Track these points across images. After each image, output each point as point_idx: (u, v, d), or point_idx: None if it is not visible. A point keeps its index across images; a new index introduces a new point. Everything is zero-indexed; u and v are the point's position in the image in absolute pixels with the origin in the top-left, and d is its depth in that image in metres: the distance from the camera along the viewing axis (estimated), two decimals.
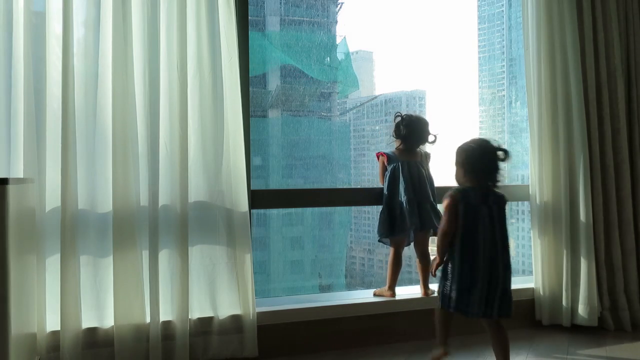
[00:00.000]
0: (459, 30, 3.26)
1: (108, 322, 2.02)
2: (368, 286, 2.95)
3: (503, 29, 3.33)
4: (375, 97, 3.34)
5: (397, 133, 2.47)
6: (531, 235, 2.68)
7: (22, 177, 1.88)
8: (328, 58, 3.03)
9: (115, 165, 1.99)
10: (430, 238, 2.53)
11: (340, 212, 2.84)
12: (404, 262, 2.52)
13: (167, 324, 2.06)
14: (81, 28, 2.01)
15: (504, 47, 3.34)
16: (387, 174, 2.42)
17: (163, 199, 2.06)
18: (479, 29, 3.39)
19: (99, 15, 2.00)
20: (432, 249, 2.69)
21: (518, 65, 3.21)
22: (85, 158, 2.00)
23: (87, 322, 1.99)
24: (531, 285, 2.68)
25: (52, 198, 1.94)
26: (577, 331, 2.54)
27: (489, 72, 3.36)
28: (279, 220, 2.92)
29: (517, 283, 2.78)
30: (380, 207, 2.43)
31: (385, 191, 2.42)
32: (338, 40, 3.02)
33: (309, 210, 2.91)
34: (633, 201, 2.67)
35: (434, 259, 1.99)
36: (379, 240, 2.45)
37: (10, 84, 1.92)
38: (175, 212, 2.06)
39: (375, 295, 2.46)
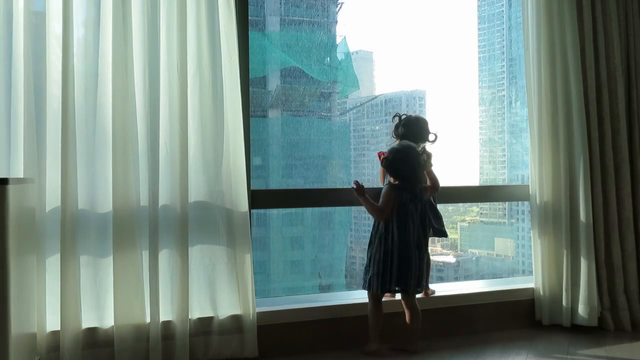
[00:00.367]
0: (459, 30, 3.26)
1: (108, 322, 2.02)
2: None
3: (503, 29, 3.33)
4: (375, 97, 3.34)
5: (396, 133, 2.47)
6: (531, 235, 2.68)
7: (22, 177, 1.88)
8: (328, 58, 3.03)
9: (115, 165, 1.99)
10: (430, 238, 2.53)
11: (340, 212, 2.84)
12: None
13: (167, 324, 2.06)
14: (81, 28, 2.01)
15: (504, 47, 3.34)
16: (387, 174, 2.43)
17: (163, 199, 2.06)
18: (479, 29, 3.39)
19: (99, 15, 2.00)
20: (432, 249, 2.70)
21: (518, 65, 3.21)
22: (85, 158, 2.00)
23: (87, 322, 1.99)
24: (531, 285, 2.69)
25: (52, 198, 1.94)
26: (577, 331, 2.54)
27: (489, 72, 3.36)
28: (279, 220, 2.92)
29: (517, 283, 2.79)
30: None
31: None
32: (338, 40, 3.02)
33: (309, 210, 2.91)
34: (633, 201, 2.67)
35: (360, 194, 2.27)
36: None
37: (10, 84, 1.92)
38: (175, 212, 2.06)
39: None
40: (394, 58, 3.13)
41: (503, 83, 3.32)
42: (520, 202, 3.13)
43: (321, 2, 2.98)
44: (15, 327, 1.48)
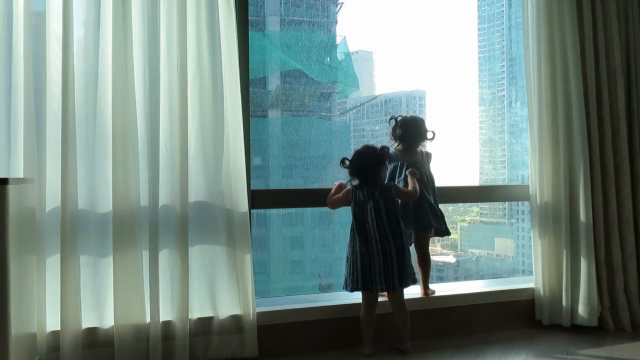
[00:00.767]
0: (459, 30, 3.26)
1: (108, 322, 2.02)
2: None
3: (503, 29, 3.33)
4: (375, 97, 3.34)
5: (394, 135, 2.49)
6: (531, 235, 2.68)
7: (22, 177, 1.88)
8: (328, 58, 3.03)
9: (115, 165, 1.98)
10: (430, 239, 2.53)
11: (340, 212, 2.84)
12: None
13: (167, 324, 2.06)
14: (81, 28, 2.01)
15: (504, 47, 3.34)
16: (387, 172, 2.43)
17: (163, 199, 2.06)
18: (479, 29, 3.39)
19: (99, 15, 2.00)
20: (432, 249, 2.70)
21: (518, 65, 3.21)
22: (85, 158, 2.00)
23: (87, 322, 1.99)
24: (531, 285, 2.69)
25: (52, 198, 1.94)
26: (577, 331, 2.54)
27: (489, 72, 3.36)
28: (279, 220, 2.92)
29: (517, 283, 2.79)
30: None
31: None
32: (338, 40, 3.02)
33: (309, 210, 2.91)
34: (633, 201, 2.67)
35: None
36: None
37: (10, 84, 1.92)
38: (175, 212, 2.06)
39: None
40: (394, 58, 3.13)
41: (503, 83, 3.32)
42: (520, 202, 3.13)
43: (321, 2, 2.98)
44: (15, 327, 1.48)
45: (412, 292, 2.50)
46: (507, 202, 3.21)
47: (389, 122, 2.51)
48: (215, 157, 2.14)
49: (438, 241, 3.27)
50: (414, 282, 2.31)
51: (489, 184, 3.19)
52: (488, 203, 3.26)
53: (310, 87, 2.97)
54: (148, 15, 2.05)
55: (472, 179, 3.22)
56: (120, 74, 1.99)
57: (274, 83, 2.90)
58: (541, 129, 2.61)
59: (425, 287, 2.50)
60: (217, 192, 2.14)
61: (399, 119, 2.49)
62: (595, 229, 2.57)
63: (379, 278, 2.19)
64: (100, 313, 2.02)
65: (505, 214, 3.36)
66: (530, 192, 2.67)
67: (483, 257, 3.42)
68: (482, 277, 3.34)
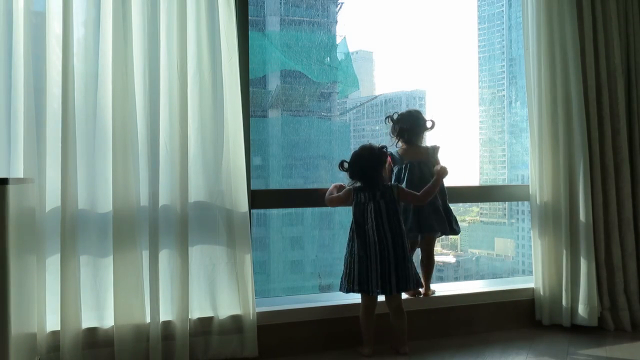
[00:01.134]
0: (459, 30, 3.26)
1: (108, 322, 2.02)
2: None
3: (503, 29, 3.33)
4: (375, 97, 3.34)
5: (394, 131, 2.48)
6: (531, 235, 2.68)
7: (22, 177, 1.88)
8: (328, 58, 3.03)
9: (115, 165, 1.98)
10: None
11: (340, 212, 2.84)
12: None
13: (167, 324, 2.06)
14: (81, 28, 2.01)
15: (504, 47, 3.34)
16: (393, 177, 2.43)
17: (163, 199, 2.05)
18: (479, 29, 3.39)
19: (99, 15, 2.00)
20: (437, 249, 2.70)
21: (518, 65, 3.21)
22: (85, 158, 2.00)
23: (87, 322, 1.99)
24: (531, 285, 2.69)
25: (52, 198, 1.94)
26: (577, 331, 2.54)
27: (489, 72, 3.37)
28: (279, 220, 2.92)
29: (517, 283, 2.79)
30: None
31: None
32: (338, 40, 3.02)
33: (309, 210, 2.91)
34: (633, 201, 2.67)
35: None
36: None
37: (10, 84, 1.92)
38: (175, 212, 2.06)
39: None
40: (394, 58, 3.13)
41: (503, 83, 3.33)
42: (520, 202, 3.13)
43: (321, 2, 2.98)
44: (15, 327, 1.48)
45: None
46: (507, 202, 3.21)
47: (385, 121, 2.50)
48: (215, 157, 2.14)
49: (438, 241, 3.26)
50: (419, 286, 2.28)
51: (489, 184, 3.19)
52: (488, 203, 3.26)
53: (310, 87, 2.98)
54: (148, 15, 2.05)
55: (472, 179, 3.23)
56: (120, 74, 1.99)
57: (274, 83, 2.90)
58: (541, 129, 2.61)
59: (427, 287, 2.49)
60: (217, 192, 2.14)
61: (394, 115, 2.47)
62: (595, 229, 2.57)
63: (376, 281, 2.16)
64: (100, 313, 2.02)
65: (505, 214, 3.36)
66: (530, 192, 2.67)
67: (483, 257, 3.42)
68: (482, 277, 3.35)
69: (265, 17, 2.88)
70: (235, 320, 2.14)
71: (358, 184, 2.26)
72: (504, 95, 3.32)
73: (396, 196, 2.23)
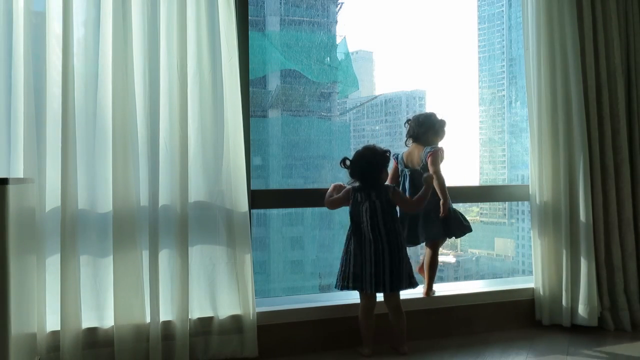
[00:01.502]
0: (459, 30, 3.26)
1: (108, 322, 2.01)
2: None
3: (503, 29, 3.33)
4: (375, 97, 3.34)
5: (412, 134, 2.48)
6: (531, 235, 2.68)
7: (22, 177, 1.88)
8: (328, 58, 3.03)
9: (115, 165, 1.98)
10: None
11: (340, 212, 2.84)
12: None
13: (167, 324, 2.06)
14: (81, 28, 2.01)
15: (504, 47, 3.34)
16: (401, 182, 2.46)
17: (163, 199, 2.05)
18: (479, 29, 3.39)
19: (99, 15, 2.00)
20: (442, 250, 2.71)
21: (518, 65, 3.21)
22: (85, 158, 2.00)
23: (87, 322, 1.99)
24: (531, 285, 2.69)
25: (52, 198, 1.94)
26: (577, 331, 2.54)
27: (489, 72, 3.36)
28: (279, 220, 2.92)
29: (517, 283, 2.79)
30: None
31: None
32: (338, 40, 3.02)
33: (309, 210, 2.91)
34: (633, 201, 2.67)
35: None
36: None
37: (10, 84, 1.92)
38: (175, 212, 2.06)
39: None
40: (394, 58, 3.13)
41: (503, 83, 3.33)
42: (520, 202, 3.12)
43: (321, 2, 2.98)
44: (15, 327, 1.48)
45: (413, 292, 2.50)
46: (507, 202, 3.21)
47: (405, 125, 2.52)
48: (215, 157, 2.14)
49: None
50: (411, 286, 2.23)
51: (489, 184, 3.19)
52: (488, 203, 3.25)
53: (310, 87, 2.98)
54: (148, 15, 2.05)
55: (472, 179, 3.23)
56: (120, 74, 1.99)
57: (274, 83, 2.90)
58: (541, 129, 2.61)
59: (429, 287, 2.50)
60: (217, 192, 2.14)
61: (410, 116, 2.50)
62: (595, 229, 2.57)
63: (369, 279, 2.17)
64: (100, 313, 2.02)
65: (505, 214, 3.36)
66: (530, 192, 2.67)
67: (483, 257, 3.42)
68: (482, 277, 3.35)
69: (265, 17, 2.88)
70: (235, 320, 2.14)
71: (357, 184, 2.27)
72: (504, 95, 3.32)
73: (391, 197, 2.24)
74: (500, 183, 3.17)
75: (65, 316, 1.91)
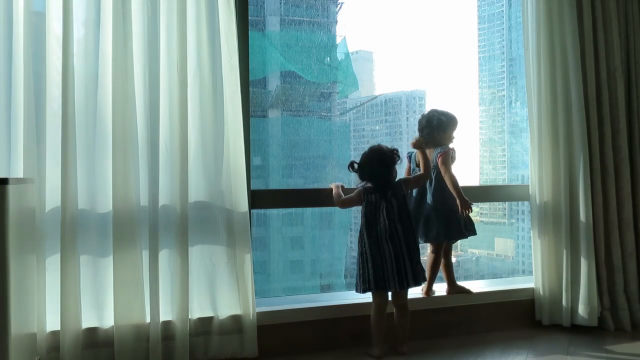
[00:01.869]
0: (459, 30, 3.26)
1: (108, 322, 2.02)
2: None
3: (503, 29, 3.33)
4: (375, 97, 3.34)
5: (425, 131, 2.49)
6: (531, 235, 2.68)
7: (22, 177, 1.88)
8: (328, 58, 3.03)
9: (115, 165, 1.98)
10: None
11: (340, 212, 2.84)
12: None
13: (167, 324, 2.06)
14: (81, 28, 2.01)
15: (504, 47, 3.34)
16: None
17: (163, 199, 2.06)
18: (479, 29, 3.39)
19: (99, 15, 2.00)
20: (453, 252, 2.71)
21: (518, 65, 3.21)
22: (85, 158, 2.00)
23: (87, 322, 1.99)
24: (531, 285, 2.69)
25: (52, 198, 1.94)
26: (577, 331, 2.54)
27: (489, 72, 3.36)
28: (279, 220, 2.92)
29: (517, 283, 2.79)
30: None
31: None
32: (338, 40, 3.02)
33: (309, 210, 2.91)
34: (633, 201, 2.67)
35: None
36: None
37: (10, 84, 1.92)
38: (175, 212, 2.06)
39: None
40: (394, 58, 3.13)
41: (503, 83, 3.32)
42: (520, 202, 3.12)
43: (321, 2, 2.98)
44: (15, 327, 1.48)
45: (413, 292, 2.49)
46: (507, 202, 3.21)
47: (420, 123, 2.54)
48: (215, 157, 2.14)
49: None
50: (424, 279, 2.30)
51: (489, 184, 3.19)
52: (488, 203, 3.25)
53: (310, 87, 2.98)
54: (148, 15, 2.05)
55: (472, 179, 3.22)
56: (120, 74, 1.99)
57: (274, 83, 2.90)
58: (541, 129, 2.61)
59: (429, 287, 2.50)
60: (217, 192, 2.14)
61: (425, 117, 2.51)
62: (595, 229, 2.57)
63: (392, 277, 2.18)
64: (100, 313, 2.02)
65: (505, 214, 3.36)
66: (530, 192, 2.67)
67: (483, 257, 3.42)
68: (482, 277, 3.34)
69: (265, 17, 2.88)
70: (235, 320, 2.14)
71: (368, 185, 2.28)
72: (504, 95, 3.32)
73: (405, 191, 2.28)
74: (500, 183, 3.17)
75: (65, 316, 1.91)
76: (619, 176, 2.65)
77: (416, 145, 2.33)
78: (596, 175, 2.59)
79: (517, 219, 3.27)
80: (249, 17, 2.33)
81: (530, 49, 2.64)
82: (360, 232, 2.26)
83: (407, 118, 3.28)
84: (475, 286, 2.70)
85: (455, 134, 2.51)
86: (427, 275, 2.50)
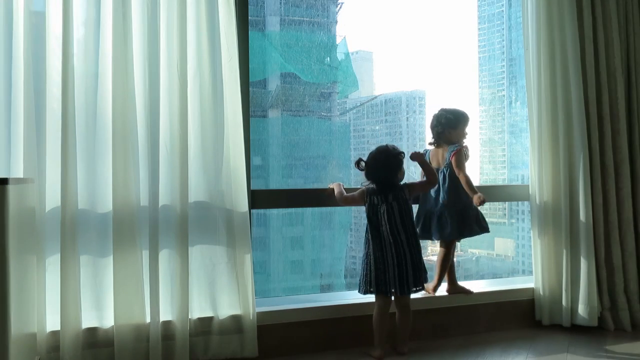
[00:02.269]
0: (459, 30, 3.26)
1: (108, 322, 2.02)
2: None
3: (503, 29, 3.33)
4: (375, 97, 3.34)
5: (437, 131, 2.51)
6: (531, 235, 2.68)
7: (22, 177, 1.88)
8: (328, 58, 3.03)
9: (115, 165, 1.98)
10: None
11: (340, 212, 2.84)
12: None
13: (167, 324, 2.06)
14: (81, 28, 2.01)
15: (504, 47, 3.34)
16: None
17: (163, 199, 2.06)
18: (479, 29, 3.39)
19: (99, 15, 2.00)
20: (432, 248, 2.70)
21: (518, 65, 3.21)
22: (85, 158, 2.00)
23: (87, 322, 1.99)
24: (531, 285, 2.69)
25: (52, 198, 1.94)
26: (577, 331, 2.54)
27: (489, 72, 3.36)
28: (279, 220, 2.92)
29: (517, 283, 2.79)
30: None
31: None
32: (338, 40, 3.02)
33: (309, 210, 2.91)
34: (633, 201, 2.67)
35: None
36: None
37: (10, 84, 1.92)
38: (175, 212, 2.06)
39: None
40: (394, 58, 3.13)
41: (503, 83, 3.32)
42: (520, 202, 3.12)
43: (321, 2, 2.98)
44: (15, 327, 1.48)
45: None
46: (507, 202, 3.20)
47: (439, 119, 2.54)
48: (215, 157, 2.14)
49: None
50: (426, 280, 2.29)
51: (489, 184, 3.19)
52: (488, 203, 3.25)
53: (310, 87, 2.98)
54: (148, 15, 2.05)
55: (472, 179, 3.21)
56: (120, 74, 1.99)
57: (274, 83, 2.90)
58: (541, 129, 2.61)
59: (438, 284, 2.51)
60: (217, 192, 2.14)
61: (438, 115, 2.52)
62: (595, 229, 2.57)
63: (393, 281, 2.18)
64: (100, 313, 2.02)
65: (505, 214, 3.35)
66: (530, 192, 2.67)
67: (483, 257, 3.42)
68: (482, 277, 3.34)
69: (265, 17, 2.88)
70: (235, 320, 2.14)
71: (371, 186, 2.28)
72: (504, 95, 3.32)
73: (407, 195, 2.26)
74: (500, 183, 3.17)
75: (65, 316, 1.92)
76: (619, 176, 2.65)
77: (413, 158, 2.33)
78: (596, 175, 2.59)
79: (517, 219, 3.27)
80: (249, 17, 2.33)
81: (530, 49, 2.64)
82: (365, 232, 2.26)
83: (407, 118, 3.28)
84: (476, 286, 2.70)
85: (467, 130, 2.53)
86: (436, 271, 2.51)
